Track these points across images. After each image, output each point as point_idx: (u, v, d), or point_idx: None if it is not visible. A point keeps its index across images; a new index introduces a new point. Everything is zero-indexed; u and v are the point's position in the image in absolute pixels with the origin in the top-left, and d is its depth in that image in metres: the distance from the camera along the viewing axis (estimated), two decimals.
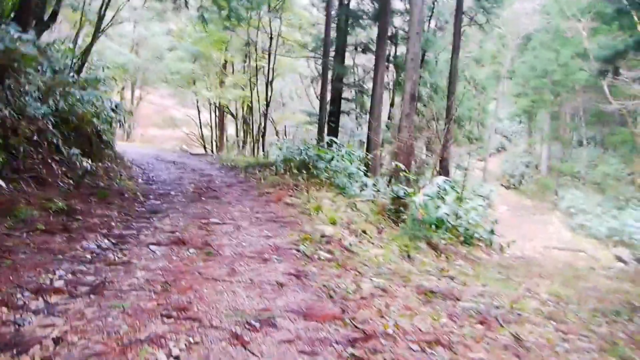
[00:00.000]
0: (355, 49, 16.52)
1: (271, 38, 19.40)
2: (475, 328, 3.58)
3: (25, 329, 2.92)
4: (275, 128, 27.42)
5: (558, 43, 30.21)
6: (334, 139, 10.36)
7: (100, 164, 9.83)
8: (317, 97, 23.75)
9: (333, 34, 15.51)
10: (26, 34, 9.60)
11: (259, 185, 9.20)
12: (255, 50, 20.89)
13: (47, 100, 7.87)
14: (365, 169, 9.05)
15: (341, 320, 3.37)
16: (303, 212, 6.76)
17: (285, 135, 29.41)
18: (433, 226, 7.33)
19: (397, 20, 16.90)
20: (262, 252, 4.87)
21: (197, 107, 27.88)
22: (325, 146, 10.35)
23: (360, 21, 16.08)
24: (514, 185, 35.48)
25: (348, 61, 17.14)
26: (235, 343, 2.91)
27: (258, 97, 21.13)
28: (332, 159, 9.28)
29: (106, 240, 5.04)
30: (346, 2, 15.90)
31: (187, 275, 4.02)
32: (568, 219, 27.06)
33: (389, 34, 14.17)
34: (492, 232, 11.86)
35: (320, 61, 18.17)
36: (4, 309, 3.14)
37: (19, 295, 3.43)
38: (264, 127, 20.60)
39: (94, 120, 9.48)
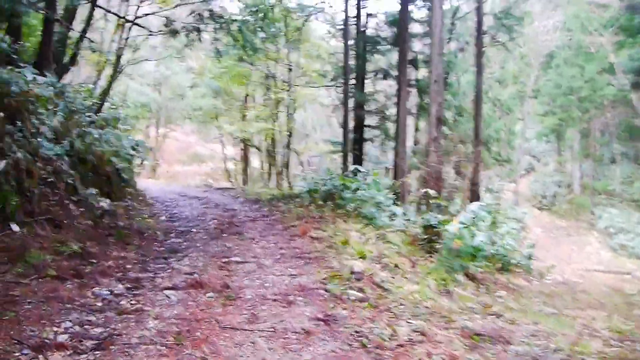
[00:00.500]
0: (376, 75, 16.26)
1: (290, 70, 19.34)
2: None
3: None
4: (299, 159, 27.22)
5: (582, 59, 29.58)
6: (359, 167, 9.97)
7: (120, 202, 9.63)
8: (339, 126, 23.58)
9: (352, 61, 15.30)
10: (44, 76, 9.65)
11: (283, 219, 8.83)
12: (275, 82, 20.85)
13: (62, 141, 7.69)
14: (394, 197, 8.61)
15: None
16: (330, 246, 6.33)
17: (309, 165, 29.17)
18: (470, 256, 6.80)
19: (417, 45, 16.64)
20: (286, 293, 4.45)
21: (221, 141, 27.95)
22: (351, 175, 9.97)
23: (379, 47, 15.87)
24: (547, 206, 34.36)
25: (369, 88, 16.87)
26: None
27: (280, 129, 20.99)
28: (358, 188, 8.88)
29: (120, 285, 4.70)
30: (363, 29, 15.73)
31: (204, 324, 3.62)
32: (607, 238, 25.93)
33: (409, 58, 13.87)
34: (529, 257, 11.23)
35: (340, 89, 17.99)
36: None
37: (17, 354, 3.09)
38: (288, 159, 20.38)
39: (113, 159, 9.32)
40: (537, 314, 5.45)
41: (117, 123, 11.92)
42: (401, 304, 4.55)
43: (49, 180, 7.17)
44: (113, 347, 3.21)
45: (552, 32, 35.21)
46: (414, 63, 15.00)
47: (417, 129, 19.16)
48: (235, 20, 10.17)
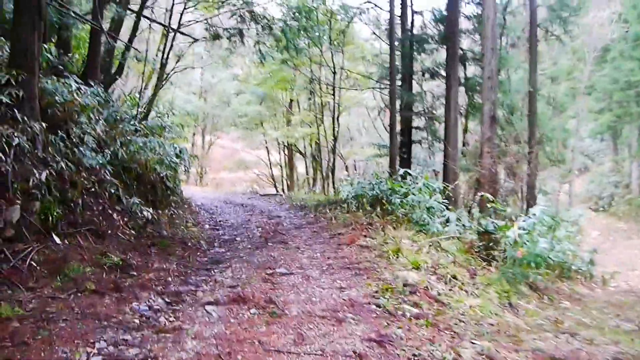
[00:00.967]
0: (423, 74, 15.68)
1: (334, 73, 19.00)
2: None
3: None
4: (344, 163, 26.83)
5: None
6: (409, 170, 9.50)
7: (165, 211, 9.54)
8: (385, 129, 23.04)
9: (398, 61, 14.81)
10: (90, 87, 9.70)
11: (330, 226, 8.47)
12: (320, 86, 20.59)
13: (105, 150, 7.61)
14: (446, 201, 8.10)
15: None
16: (380, 255, 5.92)
17: (355, 170, 28.74)
18: (533, 264, 6.24)
19: (464, 42, 15.97)
20: (335, 309, 4.08)
21: (266, 147, 27.95)
22: (399, 179, 9.50)
23: (425, 46, 15.30)
24: (603, 208, 32.62)
25: (415, 88, 16.30)
26: None
27: (325, 133, 20.69)
28: (408, 193, 8.41)
29: (160, 300, 4.46)
30: (409, 28, 15.22)
31: (246, 346, 3.30)
32: None
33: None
34: (591, 262, 10.45)
35: (386, 91, 17.51)
36: None
37: None
38: (333, 163, 20.03)
39: (157, 167, 9.23)
40: (615, 331, 4.86)
41: (162, 131, 11.91)
42: (462, 321, 4.10)
43: (93, 190, 7.10)
44: None
45: (607, 25, 33.50)
46: (462, 61, 14.35)
47: (465, 130, 18.41)
48: (278, 20, 9.92)
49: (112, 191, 7.31)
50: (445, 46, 13.31)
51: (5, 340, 3.26)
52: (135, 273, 5.22)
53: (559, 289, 7.85)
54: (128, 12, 12.37)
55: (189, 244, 7.21)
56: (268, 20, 9.82)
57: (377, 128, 25.44)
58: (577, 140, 35.40)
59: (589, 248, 11.90)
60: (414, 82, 15.86)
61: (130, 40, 13.66)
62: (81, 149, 6.81)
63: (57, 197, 6.15)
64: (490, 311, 4.47)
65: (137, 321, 3.91)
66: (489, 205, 7.60)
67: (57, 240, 5.63)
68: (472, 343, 3.55)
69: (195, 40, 13.51)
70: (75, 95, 7.92)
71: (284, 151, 26.90)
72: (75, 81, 8.42)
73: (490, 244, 7.08)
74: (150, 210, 7.88)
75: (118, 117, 9.27)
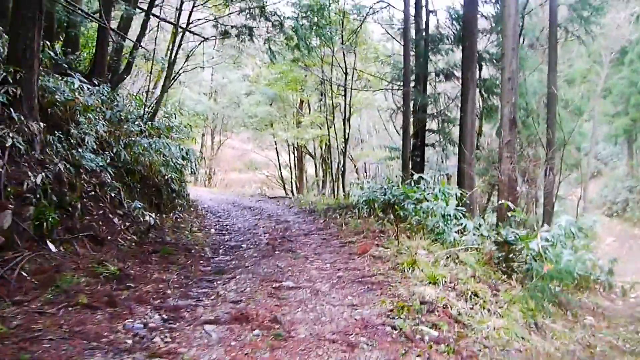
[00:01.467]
0: (437, 75, 15.24)
1: (346, 74, 18.62)
2: None
3: None
4: (354, 166, 26.43)
5: None
6: (423, 175, 9.09)
7: (170, 215, 9.23)
8: (397, 132, 22.60)
9: (412, 62, 14.40)
10: (96, 85, 9.42)
11: (341, 233, 8.10)
12: (331, 87, 20.23)
13: (107, 151, 7.30)
14: (463, 209, 7.68)
15: None
16: (394, 267, 5.54)
17: (366, 172, 28.34)
18: (558, 279, 5.83)
19: (480, 43, 15.52)
20: (346, 331, 3.71)
21: (276, 148, 27.66)
22: (412, 184, 9.10)
23: (440, 46, 14.87)
24: (617, 213, 31.95)
25: (429, 90, 15.86)
26: None
27: (336, 135, 20.32)
28: (422, 199, 8.01)
29: (156, 316, 4.12)
30: (423, 28, 14.80)
31: None
32: None
33: None
34: (610, 272, 10.00)
35: (398, 93, 17.10)
36: None
37: None
38: (343, 166, 19.65)
39: (162, 169, 8.93)
40: None
41: (169, 132, 11.62)
42: (486, 346, 3.72)
43: (93, 193, 6.79)
44: None
45: (625, 27, 32.81)
46: (478, 61, 13.90)
47: (479, 133, 17.94)
48: (289, 17, 9.56)
49: (114, 195, 7.01)
50: (461, 46, 12.89)
51: None
52: (132, 285, 4.88)
53: (583, 303, 7.45)
54: (137, 10, 12.11)
55: (193, 250, 6.87)
56: (279, 17, 9.46)
57: (388, 130, 25.04)
58: (592, 144, 34.76)
59: (604, 255, 11.46)
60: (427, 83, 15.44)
61: (139, 39, 13.42)
62: (80, 150, 6.48)
63: (54, 201, 5.84)
64: (516, 334, 4.07)
65: (129, 342, 3.57)
66: (509, 214, 7.17)
67: (52, 247, 5.31)
68: None
69: (205, 39, 13.21)
70: (77, 94, 7.65)
71: (293, 152, 26.59)
72: (80, 80, 8.15)
73: (510, 256, 6.67)
74: (153, 214, 7.57)
75: (123, 117, 8.97)
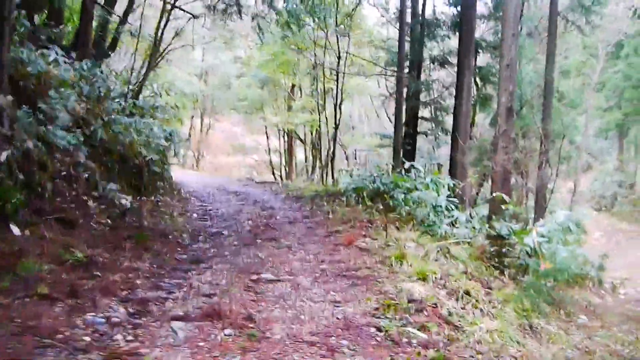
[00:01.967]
0: (432, 62, 14.88)
1: (339, 57, 18.16)
2: None
3: None
4: (344, 153, 26.06)
5: None
6: (414, 164, 8.78)
7: (151, 198, 8.85)
8: (388, 119, 22.24)
9: (407, 47, 14.01)
10: (79, 60, 8.97)
11: (327, 222, 7.78)
12: (323, 71, 19.78)
13: (82, 128, 6.89)
14: (455, 200, 7.39)
15: None
16: (382, 261, 5.23)
17: (356, 160, 27.99)
18: (555, 277, 5.57)
19: (478, 30, 15.15)
20: (327, 332, 3.40)
21: (266, 133, 27.24)
22: (403, 172, 8.79)
23: (436, 32, 14.48)
24: (605, 207, 32.00)
25: (422, 77, 15.50)
26: None
27: (327, 120, 19.92)
28: (412, 188, 7.71)
29: (121, 309, 3.78)
30: (419, 12, 14.40)
31: None
32: None
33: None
34: (600, 268, 9.83)
35: (392, 79, 16.73)
36: None
37: None
38: (333, 152, 19.27)
39: (143, 149, 8.52)
40: None
41: (154, 112, 11.19)
42: (479, 352, 3.43)
43: (65, 173, 6.40)
44: None
45: (621, 20, 32.55)
46: (475, 48, 13.55)
47: (473, 123, 17.66)
48: None
49: (88, 175, 6.61)
50: (457, 32, 12.53)
51: None
52: (99, 273, 4.52)
53: (574, 300, 7.24)
54: None
55: (170, 237, 6.52)
56: None
57: (380, 117, 24.67)
58: (584, 137, 34.65)
59: (591, 250, 11.28)
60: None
61: (126, 13, 12.91)
62: (50, 127, 6.07)
63: (21, 181, 5.44)
64: (510, 337, 3.79)
65: (88, 339, 3.23)
66: (503, 207, 6.89)
67: (16, 230, 4.92)
68: None
69: (194, 16, 12.70)
70: (52, 67, 7.21)
71: (283, 137, 26.18)
72: (57, 52, 7.71)
73: (503, 250, 6.40)
74: (131, 197, 7.19)
75: (103, 94, 8.52)
